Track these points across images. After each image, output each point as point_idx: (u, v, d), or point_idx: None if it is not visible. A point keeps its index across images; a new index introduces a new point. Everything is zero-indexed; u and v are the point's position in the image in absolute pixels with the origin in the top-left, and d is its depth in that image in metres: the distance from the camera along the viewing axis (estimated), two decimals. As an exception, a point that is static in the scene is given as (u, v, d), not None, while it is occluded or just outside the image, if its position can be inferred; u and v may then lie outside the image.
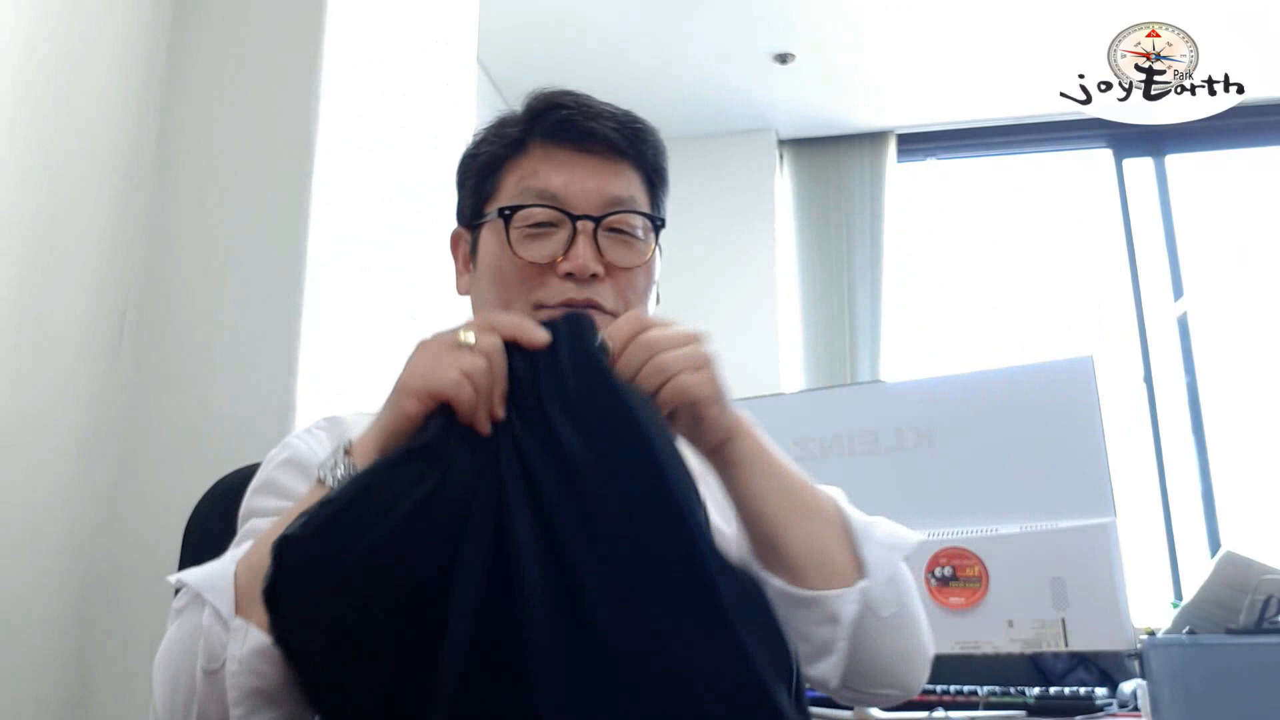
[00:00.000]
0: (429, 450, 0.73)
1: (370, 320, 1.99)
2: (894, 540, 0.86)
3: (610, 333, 0.78)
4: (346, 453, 0.77)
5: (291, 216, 1.83)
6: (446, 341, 0.76)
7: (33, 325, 1.58)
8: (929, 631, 0.88)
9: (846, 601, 0.81)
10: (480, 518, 0.70)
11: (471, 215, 0.97)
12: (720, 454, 0.82)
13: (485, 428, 0.73)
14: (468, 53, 2.55)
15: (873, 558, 0.83)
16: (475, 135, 0.99)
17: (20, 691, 1.54)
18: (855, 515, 0.87)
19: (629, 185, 0.93)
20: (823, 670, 0.82)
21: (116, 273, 1.78)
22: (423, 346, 0.77)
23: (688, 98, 3.99)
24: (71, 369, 1.67)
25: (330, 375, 1.85)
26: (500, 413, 0.74)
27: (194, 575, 0.77)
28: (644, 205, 0.94)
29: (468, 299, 0.99)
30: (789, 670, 0.71)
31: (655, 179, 0.97)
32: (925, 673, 0.88)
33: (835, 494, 0.90)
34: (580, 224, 0.89)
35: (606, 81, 3.71)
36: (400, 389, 0.76)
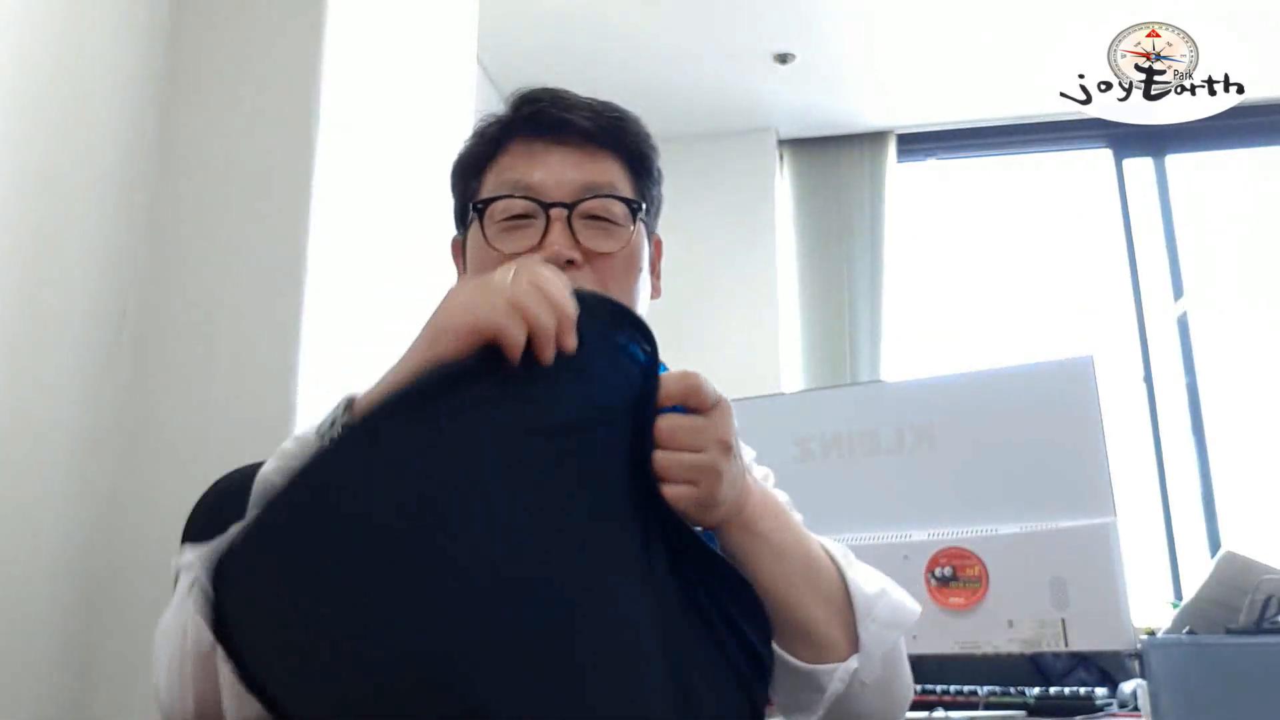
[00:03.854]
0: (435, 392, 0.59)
1: (370, 320, 1.99)
2: (895, 618, 0.84)
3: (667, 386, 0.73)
4: (349, 409, 0.67)
5: (291, 216, 1.83)
6: (489, 278, 0.67)
7: (33, 325, 1.58)
8: (910, 684, 0.88)
9: (834, 678, 0.80)
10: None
11: (460, 218, 0.97)
12: (720, 531, 0.78)
13: (548, 355, 0.65)
14: (468, 53, 2.55)
15: (869, 636, 0.82)
16: (464, 142, 0.99)
17: (20, 691, 1.54)
18: (860, 586, 0.84)
19: (607, 172, 0.91)
20: None
21: (116, 273, 1.78)
22: (459, 288, 0.69)
23: (688, 98, 3.99)
24: (71, 369, 1.67)
25: (330, 375, 1.85)
26: (570, 343, 0.65)
27: (194, 553, 0.72)
28: (625, 192, 0.92)
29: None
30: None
31: (638, 167, 0.95)
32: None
33: (838, 551, 0.86)
34: (554, 211, 0.87)
35: (606, 81, 3.71)
36: (435, 327, 0.67)
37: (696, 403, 0.72)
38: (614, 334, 0.70)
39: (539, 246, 0.87)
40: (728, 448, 0.73)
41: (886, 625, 0.83)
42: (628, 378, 0.70)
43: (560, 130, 0.90)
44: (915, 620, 0.87)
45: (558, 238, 0.87)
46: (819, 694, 0.80)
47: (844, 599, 0.83)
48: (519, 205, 0.88)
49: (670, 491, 0.71)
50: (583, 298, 0.68)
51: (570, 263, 0.86)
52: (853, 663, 0.81)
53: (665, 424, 0.71)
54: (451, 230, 1.01)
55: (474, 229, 0.91)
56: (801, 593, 0.80)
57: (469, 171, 0.95)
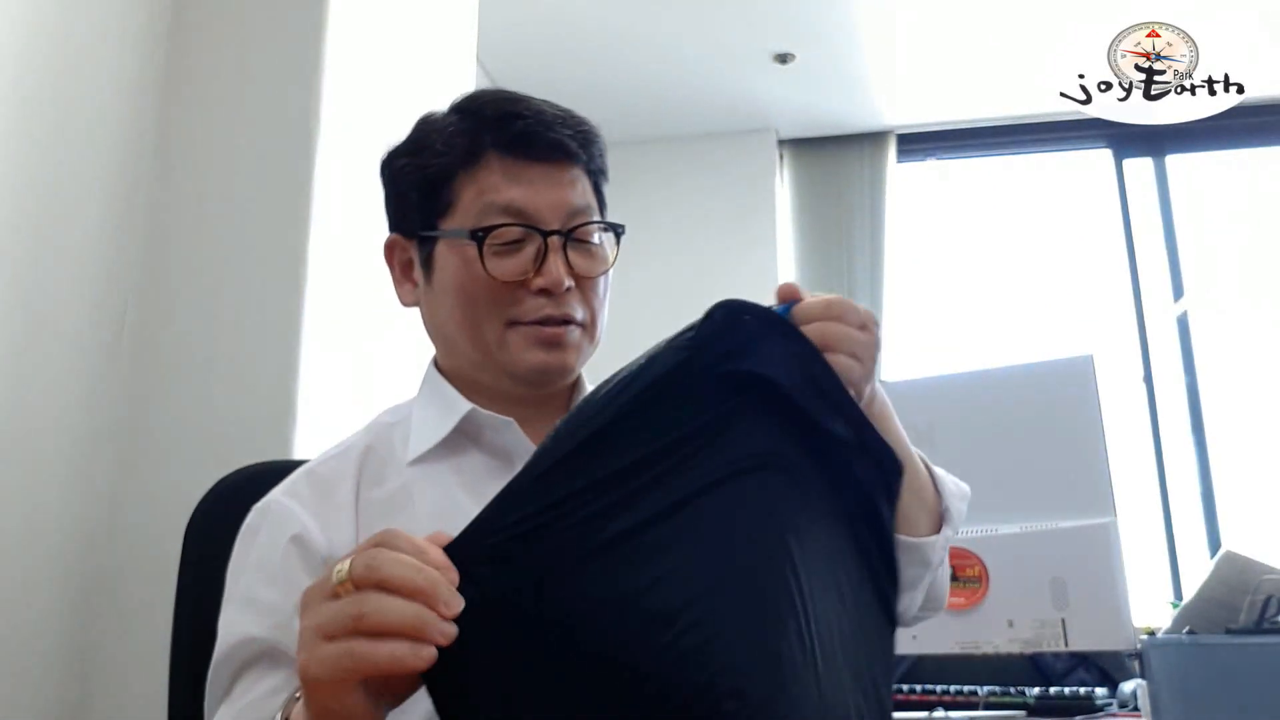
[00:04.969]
0: None
1: (370, 319, 1.98)
2: (960, 490, 0.96)
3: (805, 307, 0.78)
4: None
5: (292, 216, 1.83)
6: (322, 591, 0.56)
7: (33, 325, 1.58)
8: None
9: (936, 548, 0.91)
10: None
11: (422, 228, 0.95)
12: None
13: (436, 640, 0.54)
14: (468, 53, 2.55)
15: (954, 509, 0.93)
16: (408, 142, 0.98)
17: (20, 691, 1.54)
18: (933, 467, 0.95)
19: (585, 192, 0.95)
20: (905, 603, 0.92)
21: (116, 273, 1.78)
22: (304, 604, 0.58)
23: (688, 98, 3.98)
24: (71, 369, 1.67)
25: (331, 375, 1.85)
26: (443, 637, 0.54)
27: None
28: (596, 208, 0.96)
29: (416, 309, 0.99)
30: None
31: (599, 178, 0.99)
32: None
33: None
34: (551, 241, 0.90)
35: (606, 81, 3.72)
36: (304, 680, 0.57)
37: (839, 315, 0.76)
38: (722, 363, 0.71)
39: (537, 273, 0.90)
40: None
41: (957, 497, 0.95)
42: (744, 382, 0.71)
43: (548, 152, 0.92)
44: (969, 495, 0.98)
45: (556, 265, 0.90)
46: (925, 568, 0.91)
47: (930, 481, 0.93)
48: (514, 232, 0.90)
49: (839, 361, 0.74)
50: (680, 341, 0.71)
51: (566, 289, 0.91)
52: (947, 530, 0.92)
53: (809, 308, 0.76)
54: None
55: (456, 250, 0.92)
56: (913, 478, 0.88)
57: (435, 182, 0.94)
